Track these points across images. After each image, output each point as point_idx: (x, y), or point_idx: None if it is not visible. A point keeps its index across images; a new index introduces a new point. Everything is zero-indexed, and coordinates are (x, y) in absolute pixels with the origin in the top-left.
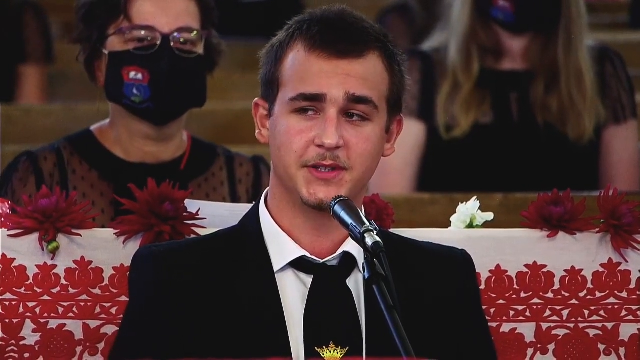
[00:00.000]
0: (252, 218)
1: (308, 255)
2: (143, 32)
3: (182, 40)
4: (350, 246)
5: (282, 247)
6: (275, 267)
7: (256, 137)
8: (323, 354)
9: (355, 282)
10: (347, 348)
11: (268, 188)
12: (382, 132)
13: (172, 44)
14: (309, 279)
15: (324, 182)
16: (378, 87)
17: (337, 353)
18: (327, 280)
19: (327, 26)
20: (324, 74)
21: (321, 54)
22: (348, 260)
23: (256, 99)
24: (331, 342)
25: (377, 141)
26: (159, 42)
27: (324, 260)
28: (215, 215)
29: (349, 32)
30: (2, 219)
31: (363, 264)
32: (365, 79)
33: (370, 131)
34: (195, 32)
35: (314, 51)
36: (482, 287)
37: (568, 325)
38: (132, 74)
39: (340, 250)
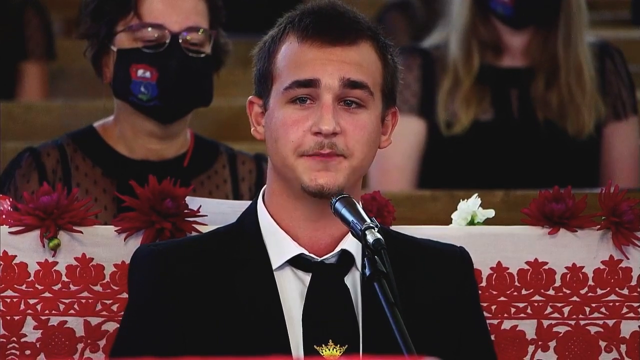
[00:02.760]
0: (250, 216)
1: (306, 253)
2: (152, 30)
3: (190, 39)
4: (348, 244)
5: (280, 245)
6: (274, 265)
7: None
8: (322, 352)
9: (353, 280)
10: (346, 346)
11: (265, 186)
12: (378, 121)
13: (181, 42)
14: (307, 277)
15: (324, 165)
16: (373, 74)
17: (336, 351)
18: (325, 278)
19: (319, 16)
20: (318, 60)
21: (314, 42)
22: (346, 258)
23: (250, 97)
24: (330, 340)
25: (373, 129)
26: (168, 41)
27: (322, 258)
28: (216, 212)
29: (341, 20)
30: (3, 216)
31: (363, 261)
32: (359, 65)
33: (367, 118)
34: (202, 31)
35: (307, 40)
36: (483, 284)
37: (569, 322)
38: (140, 72)
39: (338, 248)
